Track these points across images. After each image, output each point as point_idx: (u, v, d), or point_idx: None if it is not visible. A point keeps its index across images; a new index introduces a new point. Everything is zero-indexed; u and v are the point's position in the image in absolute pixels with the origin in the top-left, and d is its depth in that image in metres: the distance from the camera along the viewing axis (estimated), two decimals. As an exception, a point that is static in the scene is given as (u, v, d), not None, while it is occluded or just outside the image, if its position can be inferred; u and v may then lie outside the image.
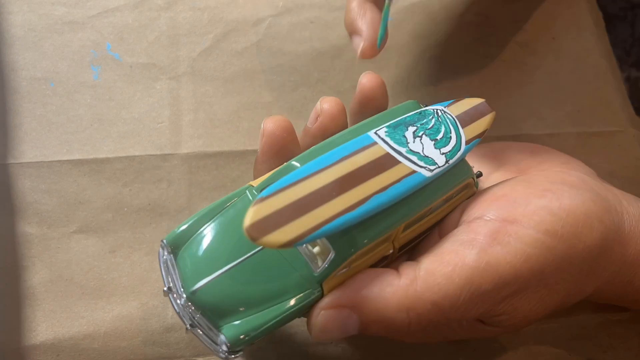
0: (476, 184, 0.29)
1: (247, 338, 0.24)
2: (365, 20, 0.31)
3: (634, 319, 0.34)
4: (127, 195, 0.35)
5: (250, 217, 0.21)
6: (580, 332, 0.34)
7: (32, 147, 0.36)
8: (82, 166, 0.35)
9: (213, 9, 0.41)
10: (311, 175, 0.23)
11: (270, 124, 0.27)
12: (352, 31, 0.32)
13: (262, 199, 0.22)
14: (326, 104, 0.28)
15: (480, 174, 0.29)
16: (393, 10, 0.42)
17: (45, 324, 0.32)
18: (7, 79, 0.37)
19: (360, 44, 0.31)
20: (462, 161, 0.27)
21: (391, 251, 0.26)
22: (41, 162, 0.35)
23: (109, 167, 0.36)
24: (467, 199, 0.28)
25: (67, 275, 0.33)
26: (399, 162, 0.25)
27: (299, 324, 0.33)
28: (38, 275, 0.33)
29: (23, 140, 0.36)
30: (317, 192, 0.23)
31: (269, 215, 0.21)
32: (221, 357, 0.24)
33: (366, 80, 0.29)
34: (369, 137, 0.26)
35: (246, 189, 0.27)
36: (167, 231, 0.34)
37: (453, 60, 0.42)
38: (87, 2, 0.40)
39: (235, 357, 0.25)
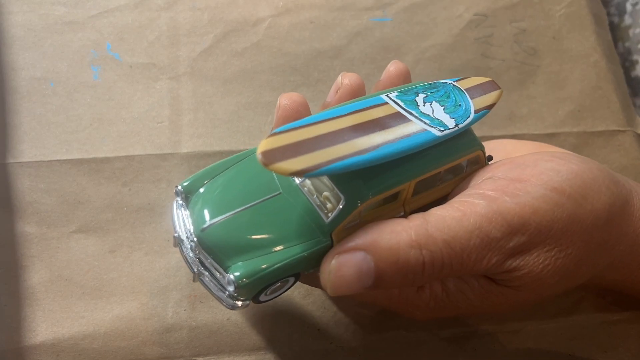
0: (486, 163, 0.29)
1: (253, 278, 0.23)
2: None
3: (634, 319, 0.34)
4: (126, 195, 0.35)
5: (262, 146, 0.22)
6: (580, 332, 0.34)
7: (32, 146, 0.36)
8: (82, 166, 0.35)
9: (213, 9, 0.41)
10: (323, 121, 0.24)
11: (286, 98, 0.28)
12: None
13: (275, 134, 0.22)
14: (347, 79, 0.28)
15: (490, 158, 0.30)
16: (393, 10, 0.43)
17: (45, 324, 0.32)
18: (7, 78, 0.37)
19: None
20: (472, 134, 0.28)
21: (402, 213, 0.26)
22: (40, 161, 0.35)
23: (108, 167, 0.36)
24: None
25: (67, 275, 0.33)
26: (409, 120, 0.26)
27: (299, 323, 0.33)
28: (38, 275, 0.33)
29: (22, 140, 0.36)
30: (328, 134, 0.24)
31: (281, 147, 0.22)
32: (228, 305, 0.24)
33: (394, 68, 0.30)
34: (381, 98, 0.26)
35: None
36: (166, 231, 0.34)
37: (453, 60, 0.42)
38: (87, 2, 0.40)
39: (241, 305, 0.24)
